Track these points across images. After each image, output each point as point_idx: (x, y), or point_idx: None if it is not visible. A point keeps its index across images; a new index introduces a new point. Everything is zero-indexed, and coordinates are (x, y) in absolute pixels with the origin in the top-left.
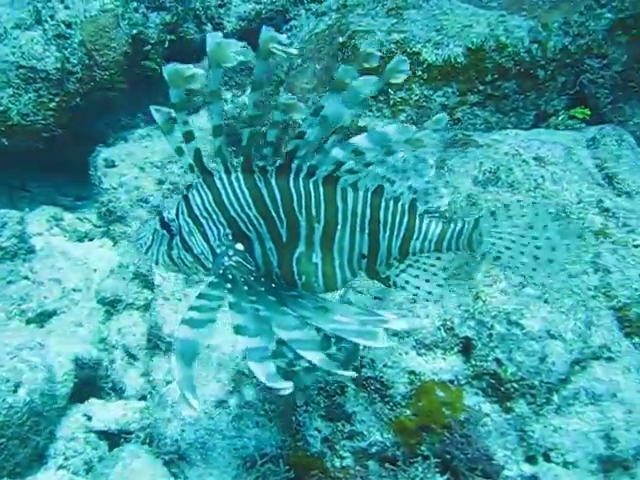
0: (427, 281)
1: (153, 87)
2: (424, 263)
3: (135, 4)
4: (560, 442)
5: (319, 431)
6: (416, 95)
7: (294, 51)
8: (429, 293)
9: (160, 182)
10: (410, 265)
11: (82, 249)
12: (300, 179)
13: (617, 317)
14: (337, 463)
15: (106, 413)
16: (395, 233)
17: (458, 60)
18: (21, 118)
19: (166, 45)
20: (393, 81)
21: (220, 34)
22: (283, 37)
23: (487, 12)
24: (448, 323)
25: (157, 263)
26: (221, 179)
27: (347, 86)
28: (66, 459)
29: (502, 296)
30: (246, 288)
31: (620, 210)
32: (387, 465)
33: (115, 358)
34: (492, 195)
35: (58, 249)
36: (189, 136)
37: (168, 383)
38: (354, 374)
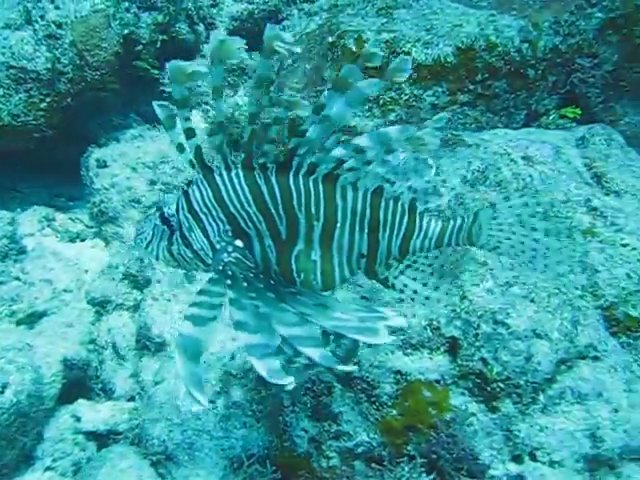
0: (425, 285)
1: (145, 87)
2: (422, 264)
3: (126, 4)
4: (546, 441)
5: (306, 431)
6: (406, 95)
7: (298, 49)
8: (426, 298)
9: (152, 183)
10: (409, 266)
11: (74, 250)
12: (300, 177)
13: (604, 316)
14: (324, 463)
15: (95, 414)
16: (395, 232)
17: (448, 59)
18: (12, 118)
19: (158, 45)
20: (396, 80)
21: (224, 32)
22: (288, 35)
23: (477, 11)
24: (434, 323)
25: (157, 258)
26: (221, 175)
27: (350, 85)
28: (54, 460)
29: (488, 295)
30: (245, 284)
31: (608, 209)
32: (373, 465)
33: (105, 359)
34: (480, 194)
35: (49, 250)
36: (190, 133)
37: (157, 384)
38: (355, 368)
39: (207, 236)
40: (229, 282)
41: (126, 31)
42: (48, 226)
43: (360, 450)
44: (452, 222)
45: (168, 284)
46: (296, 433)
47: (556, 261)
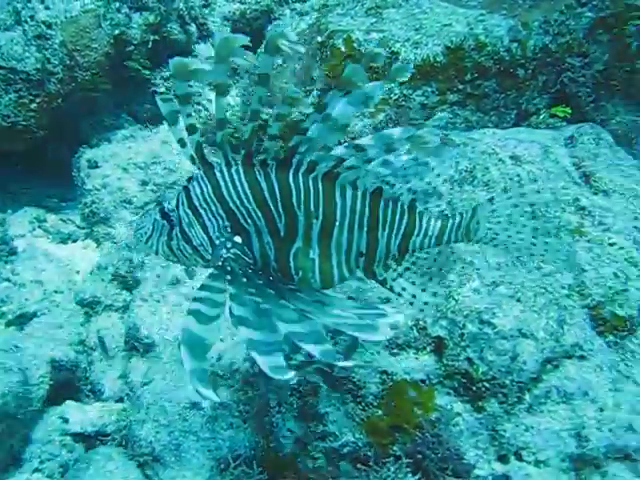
0: (424, 290)
1: (137, 88)
2: (421, 266)
3: (117, 4)
4: (532, 441)
5: (292, 432)
6: (395, 94)
7: (302, 49)
8: (425, 304)
9: (144, 183)
10: (407, 269)
11: (65, 251)
12: (300, 174)
13: (591, 315)
14: (310, 464)
15: (83, 415)
16: (394, 231)
17: (437, 59)
18: (1, 119)
19: (150, 45)
20: (399, 80)
21: (228, 29)
22: (292, 34)
23: (467, 11)
24: (421, 322)
25: (157, 253)
26: (221, 171)
27: (354, 86)
28: (41, 462)
29: (474, 295)
30: (245, 280)
31: (596, 208)
32: (359, 466)
33: (94, 360)
34: (468, 194)
35: (41, 251)
36: (192, 128)
37: (145, 385)
38: (354, 364)
39: (206, 232)
40: (229, 277)
41: (117, 31)
42: (39, 227)
43: (346, 450)
44: (451, 220)
45: (159, 283)
46: (282, 434)
47: (554, 250)
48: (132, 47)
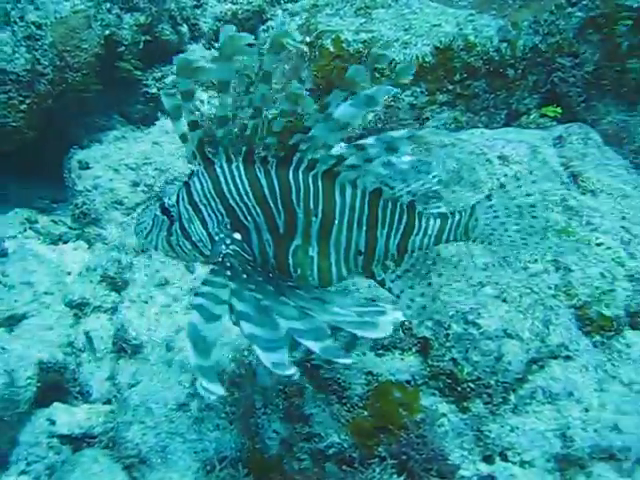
0: (422, 295)
1: (128, 88)
2: (420, 269)
3: (108, 5)
4: (517, 441)
5: (277, 433)
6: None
7: (305, 48)
8: (423, 308)
9: (135, 184)
10: (407, 270)
11: (56, 252)
12: (300, 172)
13: (577, 316)
14: (295, 465)
15: (70, 417)
16: (394, 230)
17: (426, 59)
18: None
19: (141, 46)
20: (402, 81)
21: (234, 27)
22: (296, 34)
23: (456, 11)
24: (406, 323)
25: (156, 249)
26: (222, 168)
27: (357, 86)
28: (28, 464)
29: (460, 296)
30: (245, 276)
31: (584, 208)
32: (345, 467)
33: (82, 361)
34: (455, 195)
35: (31, 252)
36: (194, 124)
37: (132, 386)
38: (353, 361)
39: (206, 228)
40: (228, 273)
41: (107, 32)
42: (30, 228)
43: (331, 452)
44: (450, 219)
45: (147, 285)
46: (268, 435)
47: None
48: (123, 48)
